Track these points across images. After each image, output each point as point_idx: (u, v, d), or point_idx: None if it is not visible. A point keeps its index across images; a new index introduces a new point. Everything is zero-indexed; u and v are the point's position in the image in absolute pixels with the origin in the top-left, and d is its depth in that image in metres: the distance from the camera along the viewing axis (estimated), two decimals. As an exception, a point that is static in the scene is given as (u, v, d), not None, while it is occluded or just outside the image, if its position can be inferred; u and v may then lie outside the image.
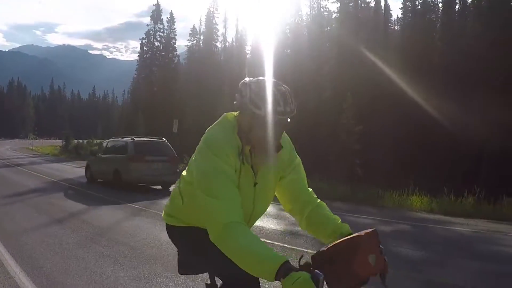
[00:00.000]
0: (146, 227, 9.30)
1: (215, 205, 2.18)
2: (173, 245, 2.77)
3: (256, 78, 2.38)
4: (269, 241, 8.19)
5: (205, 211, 2.23)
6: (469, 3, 36.66)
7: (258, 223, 10.10)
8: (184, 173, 2.64)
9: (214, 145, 2.31)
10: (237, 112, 2.43)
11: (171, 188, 17.20)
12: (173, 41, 58.75)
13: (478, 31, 28.92)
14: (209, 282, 2.66)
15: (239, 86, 2.36)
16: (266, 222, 10.37)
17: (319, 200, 2.65)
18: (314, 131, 27.05)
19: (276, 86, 2.31)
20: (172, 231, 2.73)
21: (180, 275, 5.89)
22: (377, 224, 11.49)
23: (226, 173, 2.25)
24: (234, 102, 2.38)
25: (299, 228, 10.35)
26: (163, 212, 2.80)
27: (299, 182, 2.64)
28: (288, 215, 11.83)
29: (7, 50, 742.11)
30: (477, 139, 23.32)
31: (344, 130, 23.72)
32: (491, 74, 24.87)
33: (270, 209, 13.46)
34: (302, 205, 2.60)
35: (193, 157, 2.47)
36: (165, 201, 2.87)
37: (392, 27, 45.63)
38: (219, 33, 54.53)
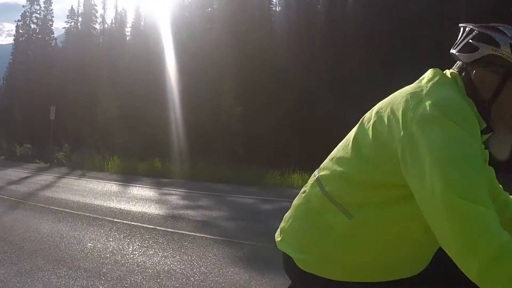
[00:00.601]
0: (24, 221, 8.96)
1: (482, 215, 1.29)
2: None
3: (497, 24, 1.61)
4: (151, 226, 8.26)
5: (454, 225, 1.29)
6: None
7: (139, 208, 10.20)
8: (329, 164, 1.73)
9: (459, 114, 1.44)
10: (454, 70, 1.68)
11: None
12: (50, 23, 56.09)
13: (359, 13, 29.89)
14: None
15: (481, 30, 1.60)
16: (148, 208, 10.42)
17: None
18: (197, 113, 27.07)
19: None
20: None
21: (61, 266, 5.89)
22: (259, 203, 11.92)
23: (481, 159, 1.43)
24: (456, 54, 1.65)
25: (182, 211, 10.37)
26: (282, 240, 1.84)
27: (492, 173, 1.86)
28: (171, 198, 11.77)
29: None
30: (353, 118, 24.29)
31: (225, 111, 24.04)
32: (372, 55, 25.84)
33: (151, 193, 13.52)
34: (501, 206, 1.84)
35: (374, 129, 1.58)
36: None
37: (273, 8, 46.35)
38: (98, 14, 52.88)
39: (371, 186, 1.55)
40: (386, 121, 1.54)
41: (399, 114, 1.50)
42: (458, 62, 1.67)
